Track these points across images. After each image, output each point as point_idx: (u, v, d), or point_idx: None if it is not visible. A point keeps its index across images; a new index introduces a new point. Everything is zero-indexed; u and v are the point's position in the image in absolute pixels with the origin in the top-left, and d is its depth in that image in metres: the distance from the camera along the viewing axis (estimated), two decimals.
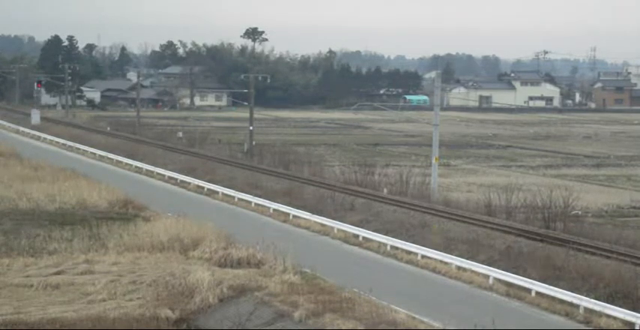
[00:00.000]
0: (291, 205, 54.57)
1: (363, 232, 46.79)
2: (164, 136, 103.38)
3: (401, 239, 44.80)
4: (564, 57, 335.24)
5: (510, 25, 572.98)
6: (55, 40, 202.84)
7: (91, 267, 37.85)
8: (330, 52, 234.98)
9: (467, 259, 40.52)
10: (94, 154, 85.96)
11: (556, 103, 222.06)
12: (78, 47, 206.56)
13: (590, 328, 32.37)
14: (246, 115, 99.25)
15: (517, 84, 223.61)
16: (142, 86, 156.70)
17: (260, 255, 39.23)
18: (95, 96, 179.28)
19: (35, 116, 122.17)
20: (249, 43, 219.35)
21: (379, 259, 43.20)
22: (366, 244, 45.69)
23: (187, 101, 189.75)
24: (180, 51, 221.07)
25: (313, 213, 51.90)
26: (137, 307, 32.71)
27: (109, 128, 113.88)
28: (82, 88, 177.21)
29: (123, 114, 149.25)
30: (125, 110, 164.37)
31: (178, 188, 66.05)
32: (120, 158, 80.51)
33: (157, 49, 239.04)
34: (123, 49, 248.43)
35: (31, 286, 35.44)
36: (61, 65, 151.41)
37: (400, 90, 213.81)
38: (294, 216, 52.51)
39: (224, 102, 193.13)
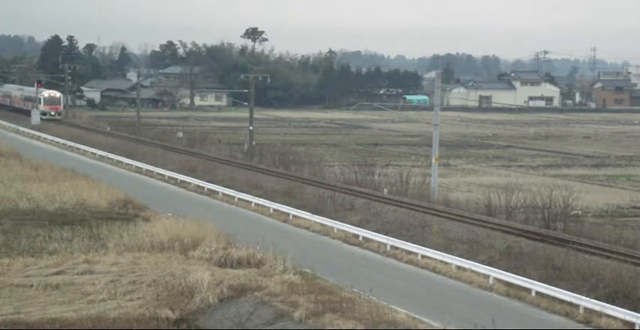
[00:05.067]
0: (291, 205, 54.55)
1: (363, 232, 46.78)
2: (164, 136, 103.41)
3: (401, 239, 44.79)
4: (564, 57, 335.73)
5: (510, 25, 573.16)
6: (55, 40, 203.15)
7: (91, 267, 37.82)
8: (330, 52, 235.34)
9: (467, 259, 40.51)
10: (94, 154, 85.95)
11: (556, 103, 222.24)
12: (78, 47, 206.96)
13: (590, 328, 32.36)
14: (246, 115, 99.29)
15: (517, 84, 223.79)
16: (142, 86, 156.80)
17: (260, 255, 39.20)
18: (95, 96, 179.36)
19: (35, 116, 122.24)
20: (249, 43, 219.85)
21: (379, 259, 43.19)
22: (366, 244, 45.68)
23: (187, 101, 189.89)
24: (180, 51, 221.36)
25: (313, 213, 51.89)
26: (137, 307, 32.69)
27: (109, 128, 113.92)
28: (82, 88, 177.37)
29: (123, 114, 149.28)
30: (125, 110, 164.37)
31: (178, 188, 66.05)
32: (120, 158, 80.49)
33: (157, 49, 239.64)
34: (123, 49, 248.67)
35: (31, 286, 35.41)
36: (61, 65, 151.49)
37: (400, 90, 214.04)
38: (294, 216, 52.50)
39: (224, 102, 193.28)
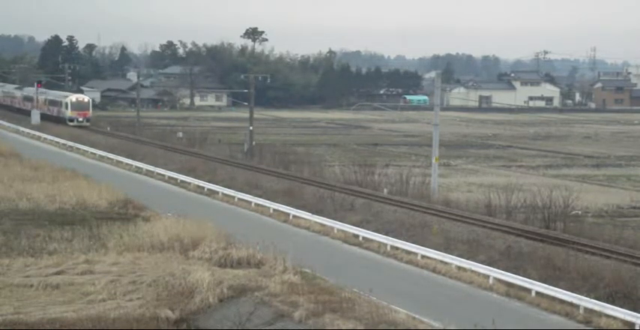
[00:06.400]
0: (291, 205, 54.53)
1: (363, 232, 46.77)
2: (164, 136, 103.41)
3: (401, 239, 44.78)
4: (564, 57, 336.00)
5: (510, 25, 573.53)
6: (55, 40, 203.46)
7: (91, 267, 37.83)
8: (330, 52, 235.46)
9: (467, 259, 40.50)
10: (94, 154, 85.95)
11: (556, 103, 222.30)
12: (78, 47, 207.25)
13: (590, 328, 32.36)
14: (246, 115, 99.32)
15: (517, 84, 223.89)
16: (142, 86, 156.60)
17: (260, 255, 39.19)
18: (95, 96, 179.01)
19: (35, 116, 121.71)
20: (249, 43, 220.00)
21: (379, 259, 43.18)
22: (366, 244, 45.67)
23: (187, 101, 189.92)
24: (180, 51, 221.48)
25: (313, 213, 51.87)
26: (137, 307, 32.70)
27: (109, 128, 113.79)
28: (82, 88, 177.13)
29: (123, 114, 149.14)
30: (125, 110, 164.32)
31: (178, 188, 66.03)
32: (120, 158, 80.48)
33: (157, 49, 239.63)
34: (123, 49, 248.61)
35: (31, 286, 35.43)
36: (61, 65, 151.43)
37: (400, 90, 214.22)
38: (294, 216, 52.49)
39: (224, 102, 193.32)
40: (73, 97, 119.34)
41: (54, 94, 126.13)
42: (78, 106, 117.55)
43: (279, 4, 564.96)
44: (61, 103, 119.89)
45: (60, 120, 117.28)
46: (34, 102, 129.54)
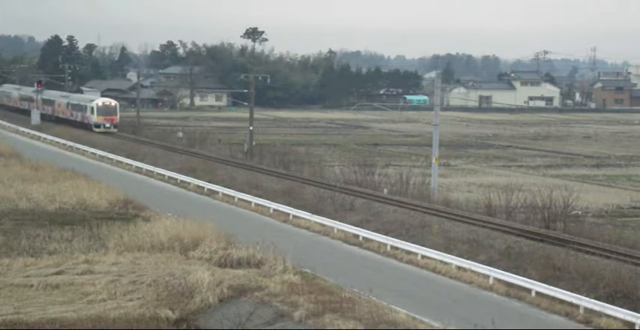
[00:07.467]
0: (291, 205, 54.52)
1: (363, 232, 46.76)
2: (164, 136, 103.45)
3: (401, 239, 44.78)
4: (564, 57, 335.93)
5: (510, 25, 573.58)
6: (55, 40, 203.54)
7: (91, 267, 37.83)
8: (330, 52, 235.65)
9: (467, 259, 40.50)
10: (94, 154, 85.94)
11: (556, 103, 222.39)
12: (78, 47, 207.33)
13: (590, 328, 32.35)
14: (246, 115, 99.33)
15: (517, 84, 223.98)
16: (142, 86, 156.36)
17: (260, 255, 39.19)
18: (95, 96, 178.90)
19: (35, 116, 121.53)
20: (249, 43, 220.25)
21: (379, 259, 43.18)
22: (366, 244, 45.67)
23: (187, 101, 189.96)
24: (180, 51, 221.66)
25: (313, 213, 51.86)
26: (137, 307, 32.70)
27: None
28: (82, 88, 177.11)
29: (123, 114, 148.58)
30: (125, 110, 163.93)
31: (178, 188, 66.03)
32: (120, 158, 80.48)
33: (157, 49, 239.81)
34: (123, 49, 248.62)
35: (31, 286, 35.43)
36: (61, 65, 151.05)
37: (400, 90, 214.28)
38: (294, 216, 52.48)
39: (224, 102, 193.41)
40: (100, 101, 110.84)
41: (77, 98, 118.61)
42: (105, 110, 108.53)
43: (279, 4, 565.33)
44: (85, 107, 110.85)
45: (84, 126, 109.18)
46: (55, 106, 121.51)
